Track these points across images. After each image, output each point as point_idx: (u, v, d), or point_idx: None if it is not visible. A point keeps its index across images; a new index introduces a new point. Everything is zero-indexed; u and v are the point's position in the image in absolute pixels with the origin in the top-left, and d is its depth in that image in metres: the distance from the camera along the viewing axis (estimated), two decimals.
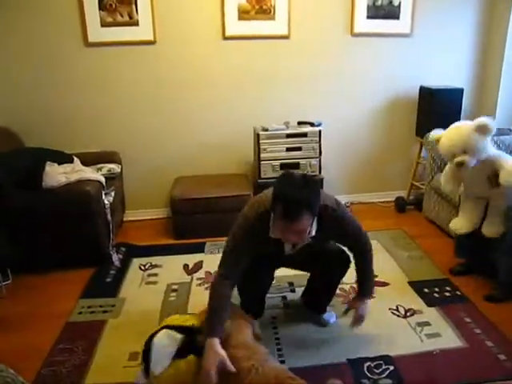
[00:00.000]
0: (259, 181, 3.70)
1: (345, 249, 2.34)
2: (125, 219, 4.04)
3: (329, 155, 3.93)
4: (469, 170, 2.52)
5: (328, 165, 3.94)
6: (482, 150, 2.46)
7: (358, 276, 2.30)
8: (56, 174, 2.99)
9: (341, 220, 2.07)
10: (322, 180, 3.72)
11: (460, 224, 2.79)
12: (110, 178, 3.50)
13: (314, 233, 1.98)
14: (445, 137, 2.58)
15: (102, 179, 3.20)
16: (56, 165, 3.10)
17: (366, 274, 2.29)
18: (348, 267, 2.36)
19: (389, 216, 4.01)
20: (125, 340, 2.44)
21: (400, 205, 4.08)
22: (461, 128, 2.52)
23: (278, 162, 3.66)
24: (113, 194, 3.32)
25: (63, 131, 3.77)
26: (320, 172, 3.75)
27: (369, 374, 2.11)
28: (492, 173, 2.51)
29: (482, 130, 2.44)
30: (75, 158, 3.38)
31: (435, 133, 2.69)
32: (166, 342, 1.98)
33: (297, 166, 3.68)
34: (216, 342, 1.86)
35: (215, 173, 4.04)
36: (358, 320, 2.31)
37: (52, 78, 3.66)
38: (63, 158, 3.27)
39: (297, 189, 1.81)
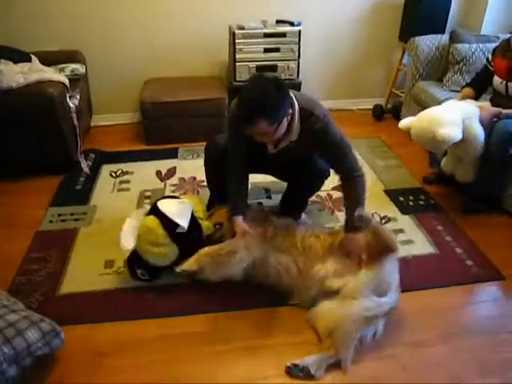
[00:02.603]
0: (234, 83, 3.52)
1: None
2: (92, 124, 3.83)
3: (308, 58, 3.75)
4: None
5: (306, 68, 3.77)
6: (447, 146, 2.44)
7: (345, 206, 2.09)
8: (13, 74, 2.72)
9: (322, 133, 1.97)
10: (299, 84, 3.57)
11: (446, 165, 2.77)
12: (74, 79, 3.24)
13: (294, 137, 2.00)
14: (413, 134, 2.50)
15: (66, 80, 2.95)
16: (11, 63, 2.82)
17: (352, 205, 2.02)
18: (323, 182, 2.38)
19: (366, 124, 3.94)
20: (99, 248, 2.40)
21: (378, 112, 4.00)
22: (424, 133, 2.41)
23: (254, 64, 3.46)
24: (78, 96, 3.10)
25: (18, 26, 3.40)
26: (298, 76, 3.58)
27: None
28: None
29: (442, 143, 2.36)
30: (33, 57, 3.07)
31: (404, 122, 2.57)
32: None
33: (274, 68, 3.49)
34: (241, 219, 2.08)
35: (188, 75, 3.81)
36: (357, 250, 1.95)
37: None
38: (19, 57, 2.97)
39: (256, 92, 1.79)
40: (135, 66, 3.75)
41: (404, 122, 2.57)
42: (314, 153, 2.23)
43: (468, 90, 2.73)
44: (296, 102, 1.95)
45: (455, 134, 2.31)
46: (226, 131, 2.23)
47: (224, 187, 2.22)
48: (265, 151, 2.14)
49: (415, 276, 2.21)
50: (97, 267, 2.27)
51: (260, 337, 1.90)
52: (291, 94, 1.94)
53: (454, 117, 2.37)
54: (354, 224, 1.97)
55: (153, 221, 2.05)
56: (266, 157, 2.18)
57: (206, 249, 2.03)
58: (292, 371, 1.73)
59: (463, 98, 2.66)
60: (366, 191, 2.05)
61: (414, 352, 1.82)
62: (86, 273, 2.23)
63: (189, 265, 2.00)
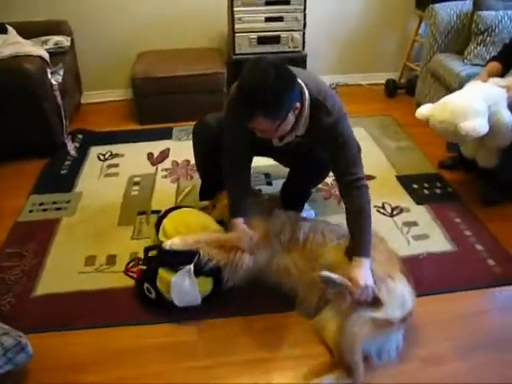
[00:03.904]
0: (234, 57, 3.25)
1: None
2: (83, 101, 3.59)
3: (314, 28, 3.44)
4: None
5: (313, 39, 3.46)
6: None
7: (349, 227, 1.74)
8: None
9: (330, 129, 1.69)
10: (305, 57, 3.27)
11: (466, 148, 2.47)
12: (59, 53, 2.98)
13: (300, 132, 1.76)
14: (432, 125, 2.20)
15: (45, 54, 2.68)
16: None
17: (357, 227, 1.70)
18: (328, 173, 2.12)
19: (377, 100, 3.64)
20: (81, 241, 2.20)
21: (390, 88, 3.69)
22: (445, 126, 2.12)
23: (255, 35, 3.18)
24: (61, 72, 2.83)
25: None
26: (303, 48, 3.30)
27: None
28: None
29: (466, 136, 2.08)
30: (9, 28, 2.80)
31: (421, 112, 2.27)
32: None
33: (277, 39, 3.21)
34: (241, 221, 1.84)
35: (185, 47, 3.52)
36: (361, 291, 1.56)
37: None
38: None
39: (254, 84, 1.52)
40: (128, 37, 3.48)
41: (421, 112, 2.28)
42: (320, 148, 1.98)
43: (494, 65, 2.41)
44: (306, 90, 1.67)
45: (480, 126, 2.04)
46: (223, 109, 1.97)
47: (215, 173, 2.00)
48: (269, 142, 1.89)
49: (429, 277, 1.97)
50: (76, 264, 2.06)
51: (258, 349, 1.69)
52: (301, 83, 1.66)
53: (479, 105, 2.08)
54: (358, 250, 1.66)
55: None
56: (269, 146, 1.94)
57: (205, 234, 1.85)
58: None
59: (489, 74, 2.35)
60: (370, 204, 1.72)
61: (428, 369, 1.60)
62: (64, 271, 2.02)
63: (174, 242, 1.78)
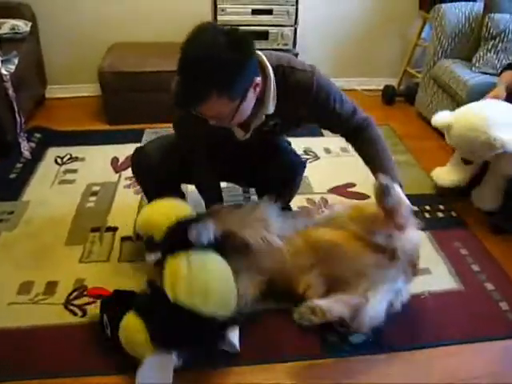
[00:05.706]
0: None
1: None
2: (48, 96, 3.24)
3: (307, 25, 3.21)
4: None
5: (305, 37, 3.22)
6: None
7: (370, 161, 1.63)
8: None
9: (311, 85, 1.47)
10: (296, 55, 2.97)
11: (444, 175, 2.29)
12: (15, 39, 2.65)
13: (270, 110, 1.49)
14: (455, 134, 2.00)
15: None
16: None
17: (379, 160, 1.59)
18: (301, 175, 1.89)
19: (374, 108, 3.31)
20: (18, 263, 1.85)
21: (388, 95, 3.39)
22: (473, 136, 1.90)
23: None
24: (15, 60, 2.49)
25: None
26: (295, 46, 3.07)
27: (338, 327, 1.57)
28: None
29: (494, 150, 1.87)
30: None
31: (442, 117, 2.08)
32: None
33: (265, 35, 2.97)
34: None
35: (162, 40, 3.20)
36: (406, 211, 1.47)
37: None
38: None
39: (201, 53, 1.25)
40: (100, 26, 3.17)
41: (441, 119, 2.07)
42: (300, 124, 1.72)
43: (510, 75, 2.12)
44: (267, 62, 1.44)
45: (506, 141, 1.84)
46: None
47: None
48: (231, 138, 1.59)
49: (429, 325, 1.64)
50: (8, 293, 1.70)
51: None
52: (259, 53, 1.43)
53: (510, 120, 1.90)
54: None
55: None
56: (233, 146, 1.66)
57: None
58: None
59: (507, 83, 2.05)
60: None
61: None
62: None
63: None
